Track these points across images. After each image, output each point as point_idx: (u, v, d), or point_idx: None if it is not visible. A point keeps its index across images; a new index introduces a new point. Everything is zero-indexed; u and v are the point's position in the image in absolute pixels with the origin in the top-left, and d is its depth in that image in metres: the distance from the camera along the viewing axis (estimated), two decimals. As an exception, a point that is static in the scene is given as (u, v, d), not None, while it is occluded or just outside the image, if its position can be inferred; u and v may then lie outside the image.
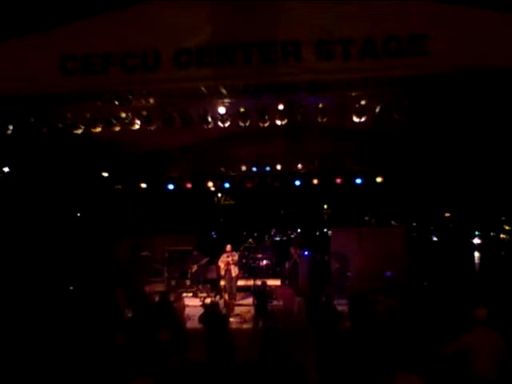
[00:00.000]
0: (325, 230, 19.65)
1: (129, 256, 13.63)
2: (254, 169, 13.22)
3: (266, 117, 8.56)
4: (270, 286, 12.14)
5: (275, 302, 10.20)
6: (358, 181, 13.01)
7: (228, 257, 12.02)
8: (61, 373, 5.77)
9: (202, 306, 8.47)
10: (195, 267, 13.25)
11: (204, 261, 13.31)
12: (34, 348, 6.48)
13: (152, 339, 6.63)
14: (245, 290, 12.33)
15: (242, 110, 8.30)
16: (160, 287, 12.55)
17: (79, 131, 8.42)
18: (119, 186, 16.76)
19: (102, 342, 6.39)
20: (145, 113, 8.31)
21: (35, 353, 6.33)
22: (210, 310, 8.18)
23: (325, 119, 8.52)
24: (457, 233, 13.28)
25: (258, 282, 10.92)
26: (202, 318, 8.10)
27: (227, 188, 14.32)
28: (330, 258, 14.01)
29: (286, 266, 12.59)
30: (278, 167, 12.59)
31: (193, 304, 11.29)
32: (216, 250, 13.61)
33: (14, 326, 7.40)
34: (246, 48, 5.98)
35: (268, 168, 13.14)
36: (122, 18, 6.32)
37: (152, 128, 8.59)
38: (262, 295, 9.37)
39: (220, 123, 8.54)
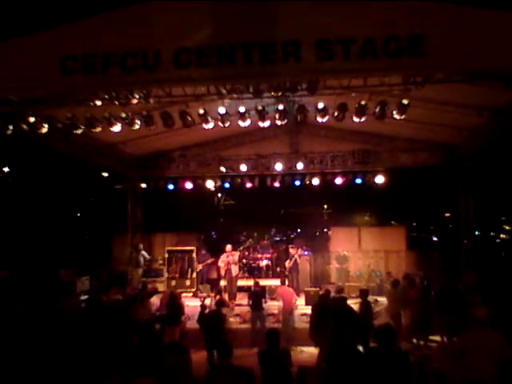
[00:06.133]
0: (325, 229, 19.56)
1: (129, 255, 13.63)
2: (254, 169, 13.23)
3: (266, 117, 8.58)
4: (268, 286, 12.19)
5: (275, 302, 10.18)
6: (358, 181, 12.99)
7: (228, 257, 12.03)
8: (59, 373, 5.76)
9: (200, 306, 8.47)
10: (200, 266, 13.27)
11: (210, 261, 13.35)
12: (34, 348, 6.48)
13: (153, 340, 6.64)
14: (245, 290, 12.32)
15: (241, 109, 8.31)
16: (160, 287, 12.56)
17: (79, 131, 8.43)
18: (119, 186, 16.78)
19: (101, 343, 6.39)
20: (145, 113, 8.33)
21: (35, 352, 6.32)
22: (213, 309, 8.20)
23: (325, 119, 8.54)
24: (456, 233, 13.30)
25: (250, 283, 10.94)
26: (199, 319, 8.11)
27: (227, 188, 14.32)
28: (330, 257, 14.04)
29: (286, 265, 12.59)
30: (278, 167, 12.58)
31: (193, 304, 11.28)
32: (216, 250, 13.63)
33: (13, 326, 7.39)
34: (246, 48, 5.97)
35: (268, 168, 13.14)
36: (122, 18, 6.32)
37: (152, 128, 8.60)
38: (256, 295, 9.37)
39: (220, 123, 8.55)
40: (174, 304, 8.41)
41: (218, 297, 9.07)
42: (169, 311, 8.30)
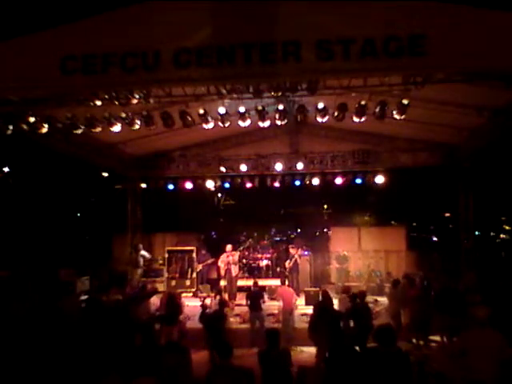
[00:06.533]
0: (325, 229, 19.57)
1: (129, 255, 13.63)
2: (254, 169, 13.23)
3: (266, 117, 8.58)
4: (268, 286, 12.19)
5: (275, 302, 10.18)
6: (358, 181, 13.00)
7: (228, 257, 12.03)
8: (59, 373, 5.77)
9: (201, 306, 8.46)
10: (200, 266, 13.25)
11: (210, 261, 13.34)
12: (34, 348, 6.49)
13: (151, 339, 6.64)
14: (245, 290, 12.33)
15: (241, 109, 8.31)
16: (160, 287, 12.57)
17: (79, 131, 8.43)
18: (119, 186, 16.78)
19: (102, 342, 6.39)
20: (145, 113, 8.32)
21: (35, 353, 6.33)
22: (215, 309, 8.19)
23: (325, 119, 8.54)
24: (457, 233, 13.28)
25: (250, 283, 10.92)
26: (201, 318, 8.10)
27: (227, 188, 14.33)
28: (330, 257, 14.03)
29: (287, 265, 12.58)
30: (278, 167, 12.58)
31: (193, 304, 11.28)
32: (216, 250, 13.64)
33: (13, 326, 7.40)
34: (246, 48, 5.97)
35: (268, 168, 13.15)
36: (122, 18, 6.32)
37: (152, 128, 8.60)
38: (254, 295, 9.36)
39: (220, 123, 8.55)
40: (172, 304, 8.36)
41: (218, 297, 9.08)
42: (167, 311, 8.27)
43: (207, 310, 8.34)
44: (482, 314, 5.32)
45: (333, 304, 8.18)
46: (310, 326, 7.58)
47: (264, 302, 9.97)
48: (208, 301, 9.70)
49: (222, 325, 7.80)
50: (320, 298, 8.72)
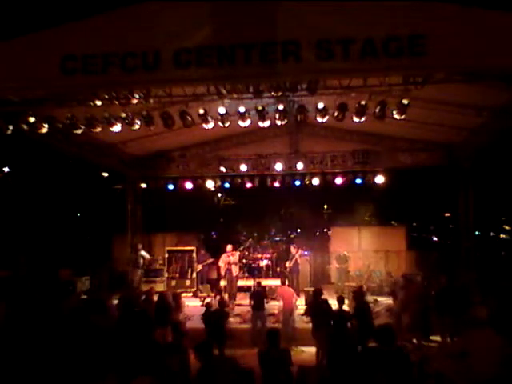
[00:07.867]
0: (325, 229, 19.56)
1: (129, 255, 13.61)
2: (254, 169, 13.23)
3: (266, 117, 8.58)
4: (269, 286, 12.18)
5: (275, 302, 10.17)
6: (358, 181, 13.00)
7: (228, 257, 12.03)
8: (59, 373, 5.76)
9: (204, 305, 8.40)
10: (200, 266, 13.24)
11: (209, 261, 13.33)
12: (33, 348, 6.49)
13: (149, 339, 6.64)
14: (245, 290, 12.33)
15: (241, 109, 8.31)
16: (160, 287, 12.57)
17: (79, 131, 8.44)
18: (119, 186, 16.79)
19: (101, 343, 6.38)
20: (145, 113, 8.32)
21: (34, 352, 6.33)
22: (216, 308, 8.16)
23: (325, 119, 8.54)
24: (457, 233, 13.27)
25: (254, 283, 10.94)
26: (203, 316, 8.06)
27: (227, 188, 14.32)
28: (330, 257, 14.03)
29: (287, 265, 12.58)
30: (278, 167, 12.58)
31: (193, 304, 11.28)
32: (216, 250, 13.63)
33: (13, 326, 7.40)
34: (246, 48, 5.98)
35: (268, 168, 13.14)
36: (122, 18, 6.32)
37: (152, 128, 8.60)
38: (257, 295, 9.35)
39: (220, 123, 8.55)
40: (162, 304, 8.16)
41: (218, 297, 9.05)
42: (156, 312, 8.07)
43: (212, 309, 8.28)
44: (482, 314, 5.33)
45: (328, 304, 8.16)
46: (313, 325, 7.62)
47: (268, 301, 9.96)
48: (208, 300, 9.71)
49: (223, 323, 7.79)
50: (313, 297, 8.65)
